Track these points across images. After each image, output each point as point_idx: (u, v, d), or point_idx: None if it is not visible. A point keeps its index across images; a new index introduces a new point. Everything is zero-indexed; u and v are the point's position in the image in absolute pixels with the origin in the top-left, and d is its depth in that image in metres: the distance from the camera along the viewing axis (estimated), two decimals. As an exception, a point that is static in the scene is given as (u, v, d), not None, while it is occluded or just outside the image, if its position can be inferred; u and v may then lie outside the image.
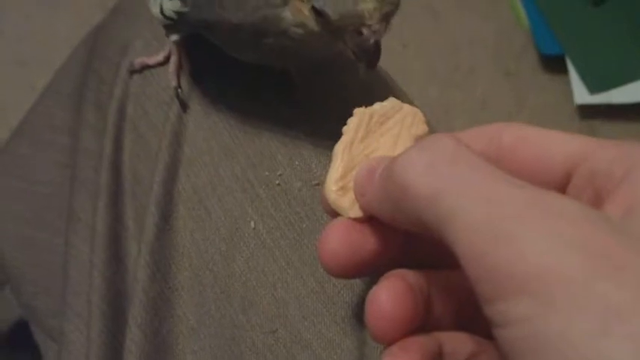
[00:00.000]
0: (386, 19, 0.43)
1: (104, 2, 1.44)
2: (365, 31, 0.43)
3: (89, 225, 0.60)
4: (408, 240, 0.37)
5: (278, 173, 0.56)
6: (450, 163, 0.29)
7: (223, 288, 0.54)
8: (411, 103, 0.41)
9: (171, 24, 0.54)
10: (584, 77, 1.40)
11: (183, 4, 0.51)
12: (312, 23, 0.45)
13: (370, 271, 0.38)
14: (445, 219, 0.28)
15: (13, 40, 1.45)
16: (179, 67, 0.59)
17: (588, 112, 1.43)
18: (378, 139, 0.39)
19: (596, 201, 0.31)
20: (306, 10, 0.44)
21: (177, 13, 0.52)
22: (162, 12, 0.53)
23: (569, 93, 1.42)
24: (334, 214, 0.37)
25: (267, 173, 0.56)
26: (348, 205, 0.37)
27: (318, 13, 0.44)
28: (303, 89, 0.60)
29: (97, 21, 0.72)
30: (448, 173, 0.29)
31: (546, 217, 0.26)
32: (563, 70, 1.43)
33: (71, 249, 0.61)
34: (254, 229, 0.55)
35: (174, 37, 0.56)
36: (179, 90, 0.58)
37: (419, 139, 0.39)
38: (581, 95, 1.40)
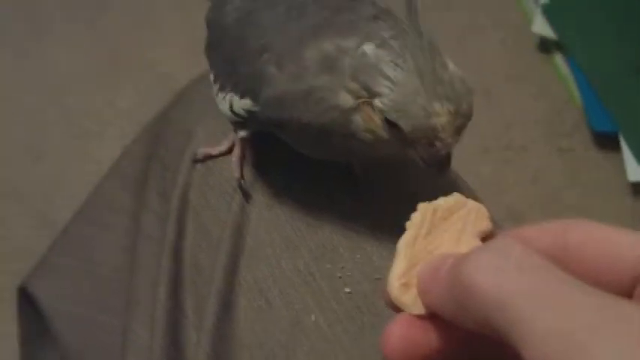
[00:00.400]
0: (458, 131, 0.44)
1: (163, 80, 1.48)
2: (437, 143, 0.43)
3: (149, 311, 0.60)
4: (470, 337, 0.37)
5: (340, 266, 0.56)
6: (520, 267, 0.29)
7: None
8: (475, 198, 0.41)
9: (241, 121, 0.55)
10: (637, 154, 1.38)
11: (254, 103, 0.52)
12: (382, 131, 0.45)
13: None
14: (514, 324, 0.28)
15: (75, 114, 1.49)
16: (242, 158, 0.60)
17: (642, 189, 1.41)
18: (441, 234, 0.38)
19: None
20: (377, 119, 0.45)
21: (248, 111, 0.53)
22: (231, 109, 0.55)
23: (622, 170, 1.41)
24: (396, 309, 0.37)
25: (329, 266, 0.56)
26: (411, 301, 0.36)
27: (390, 123, 0.44)
28: (366, 182, 0.60)
29: (155, 98, 0.73)
30: (518, 277, 0.29)
31: (620, 329, 0.25)
32: (617, 148, 1.42)
33: (130, 333, 0.61)
34: (315, 322, 0.55)
35: (243, 133, 0.57)
36: (242, 181, 0.59)
37: (482, 235, 0.38)
38: (635, 173, 1.38)
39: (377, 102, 0.44)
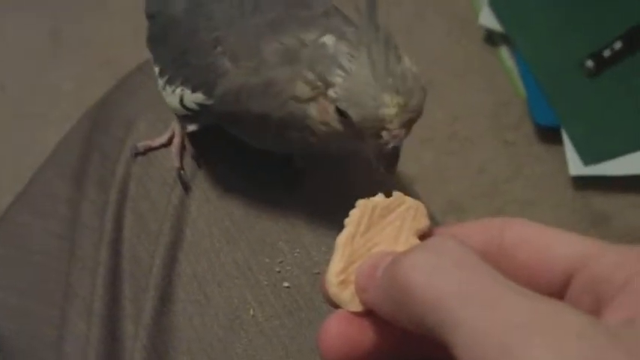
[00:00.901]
0: (407, 125, 0.44)
1: (109, 63, 1.46)
2: (385, 135, 0.44)
3: (86, 302, 0.60)
4: (406, 335, 0.37)
5: (279, 260, 0.56)
6: (455, 267, 0.29)
7: None
8: (413, 194, 0.42)
9: (191, 115, 0.55)
10: (578, 149, 1.40)
11: (207, 97, 0.51)
12: (335, 123, 0.46)
13: None
14: (448, 325, 0.28)
15: (14, 94, 1.46)
16: (182, 149, 0.60)
17: (583, 183, 1.43)
18: (380, 232, 0.39)
19: (596, 306, 0.31)
20: (331, 110, 0.45)
21: (200, 105, 0.52)
22: (181, 103, 0.54)
23: (564, 163, 1.42)
24: (334, 305, 0.37)
25: (268, 260, 0.56)
26: (349, 298, 0.36)
27: (341, 113, 0.44)
28: (306, 177, 0.60)
29: (100, 80, 0.72)
30: (452, 278, 0.29)
31: (551, 331, 0.26)
32: (559, 141, 1.44)
33: (68, 324, 0.61)
34: (253, 316, 0.55)
35: (192, 127, 0.57)
36: (182, 171, 0.59)
37: (421, 233, 0.39)
38: (576, 166, 1.40)
39: (330, 92, 0.44)
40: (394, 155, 0.45)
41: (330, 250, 0.56)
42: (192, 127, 0.56)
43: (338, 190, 0.59)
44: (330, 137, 0.47)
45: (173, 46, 0.55)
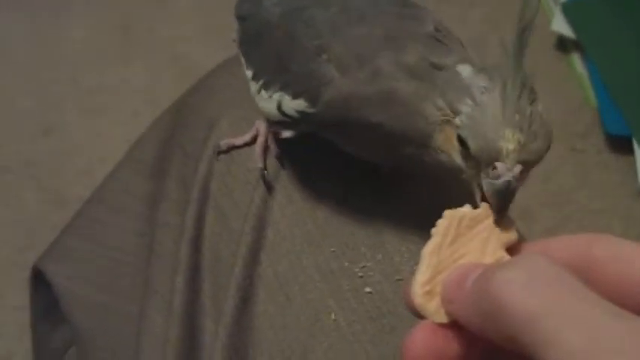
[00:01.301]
0: (525, 165, 0.42)
1: (176, 59, 1.48)
2: (499, 166, 0.41)
3: (166, 299, 0.60)
4: (492, 349, 0.36)
5: (361, 265, 0.56)
6: (550, 285, 0.29)
7: None
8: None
9: (289, 121, 0.54)
10: (649, 159, 1.38)
11: (309, 104, 0.51)
12: (456, 154, 0.45)
13: None
14: (542, 343, 0.27)
15: (85, 89, 1.49)
16: (266, 149, 0.60)
17: (653, 194, 1.41)
18: (466, 243, 0.38)
19: None
20: (454, 140, 0.44)
21: (301, 112, 0.52)
22: (279, 109, 0.53)
23: (634, 173, 1.41)
24: (419, 315, 0.37)
25: (350, 265, 0.56)
26: (434, 309, 0.36)
27: (462, 143, 0.44)
28: (393, 183, 0.60)
29: (168, 76, 0.73)
30: (546, 295, 0.29)
31: None
32: (629, 151, 1.42)
33: (146, 321, 0.61)
34: (334, 320, 0.54)
35: (287, 134, 0.56)
36: (265, 172, 0.59)
37: (507, 245, 0.38)
38: (646, 177, 1.38)
39: (456, 120, 0.44)
40: (506, 193, 0.42)
41: (413, 257, 0.56)
42: (287, 134, 0.56)
43: (425, 198, 0.59)
44: (444, 165, 0.46)
45: (268, 50, 0.55)
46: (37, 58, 1.53)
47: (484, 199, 0.42)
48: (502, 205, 0.41)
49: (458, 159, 0.45)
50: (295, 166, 0.60)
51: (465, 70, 0.45)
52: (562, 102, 1.51)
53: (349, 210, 0.58)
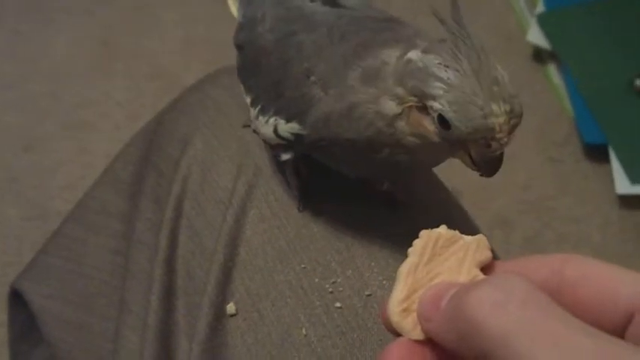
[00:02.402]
0: (512, 131, 0.44)
1: (159, 73, 1.48)
2: (493, 144, 0.43)
3: (141, 317, 0.61)
4: None
5: (331, 281, 0.57)
6: (522, 305, 0.30)
7: None
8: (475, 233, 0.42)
9: (285, 144, 0.55)
10: (626, 167, 1.39)
11: (301, 126, 0.52)
12: (432, 135, 0.45)
13: None
14: None
15: (65, 104, 1.49)
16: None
17: (630, 201, 1.42)
18: (442, 262, 0.39)
19: None
20: (427, 122, 0.45)
21: (295, 134, 0.53)
22: (276, 133, 0.54)
23: (611, 182, 1.42)
24: (395, 332, 0.38)
25: (321, 281, 0.57)
26: (410, 326, 0.37)
27: (444, 125, 0.44)
28: (364, 201, 0.61)
29: (151, 91, 0.73)
30: (519, 315, 0.29)
31: None
32: (606, 160, 1.43)
33: (122, 339, 0.62)
34: (305, 335, 0.55)
35: (286, 157, 0.57)
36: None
37: (482, 265, 0.39)
38: (623, 185, 1.39)
39: (433, 104, 0.44)
40: (498, 160, 0.45)
41: (382, 272, 0.57)
42: (285, 157, 0.57)
43: (395, 216, 0.60)
44: (423, 150, 0.48)
45: (265, 76, 0.56)
46: (19, 72, 1.52)
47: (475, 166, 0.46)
48: (495, 170, 0.45)
49: (435, 138, 0.45)
50: (268, 184, 0.61)
51: (414, 55, 0.45)
52: (539, 112, 1.52)
53: (320, 226, 0.59)
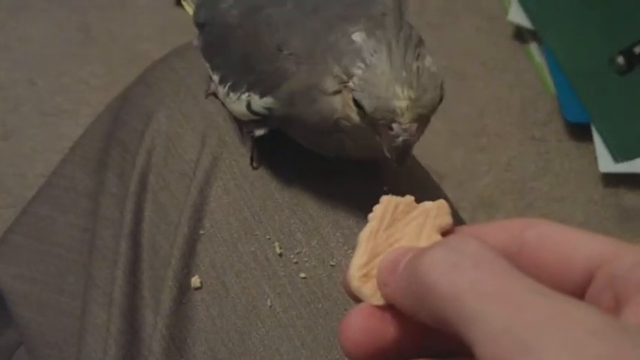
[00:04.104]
0: (420, 121, 0.44)
1: (137, 59, 1.47)
2: (395, 127, 0.44)
3: (107, 293, 0.60)
4: (427, 330, 0.37)
5: (296, 251, 0.56)
6: (475, 265, 0.29)
7: None
8: (447, 194, 0.42)
9: (259, 120, 0.55)
10: (609, 145, 1.39)
11: (275, 100, 0.52)
12: (354, 115, 0.46)
13: (390, 358, 0.38)
14: (466, 321, 0.28)
15: (43, 90, 1.48)
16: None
17: (613, 180, 1.42)
18: (402, 228, 0.39)
19: (616, 305, 0.31)
20: (350, 102, 0.46)
21: (269, 109, 0.53)
22: (249, 109, 0.54)
23: (594, 160, 1.42)
24: (356, 298, 0.37)
25: (285, 251, 0.56)
26: (371, 292, 0.36)
27: (357, 104, 0.45)
28: (330, 171, 0.60)
29: (128, 77, 0.73)
30: (472, 275, 0.29)
31: (568, 329, 0.26)
32: (589, 138, 1.43)
33: (88, 315, 0.61)
34: (270, 307, 0.55)
35: (260, 132, 0.56)
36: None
37: (443, 230, 0.39)
38: (606, 163, 1.39)
39: (350, 83, 0.46)
40: (404, 149, 0.45)
41: (347, 242, 0.56)
42: (259, 132, 0.56)
43: (359, 185, 0.60)
44: (352, 132, 0.48)
45: (233, 52, 0.55)
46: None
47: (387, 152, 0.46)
48: (401, 160, 0.45)
49: (356, 118, 0.46)
50: (232, 155, 0.60)
51: (358, 37, 0.46)
52: (521, 91, 1.52)
53: (285, 197, 0.59)
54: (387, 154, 0.46)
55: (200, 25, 0.60)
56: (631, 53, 1.44)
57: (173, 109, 0.64)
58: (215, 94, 0.61)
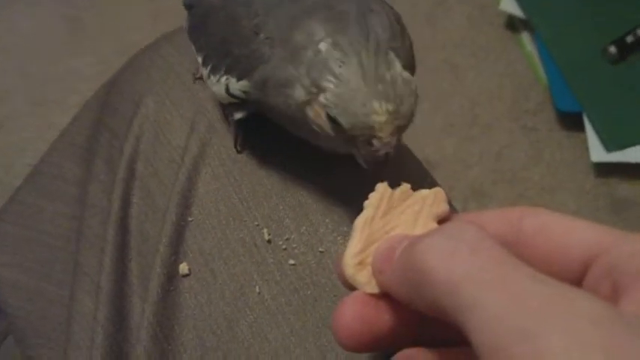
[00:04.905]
0: (398, 132, 0.44)
1: (127, 48, 1.46)
2: (375, 142, 0.44)
3: (94, 280, 0.60)
4: (423, 318, 0.37)
5: (285, 238, 0.56)
6: (472, 252, 0.29)
7: (225, 352, 0.54)
8: (438, 183, 0.41)
9: (237, 103, 0.55)
10: (600, 135, 1.39)
11: (252, 84, 0.51)
12: (327, 128, 0.46)
13: (384, 347, 0.38)
14: (464, 309, 0.28)
15: (34, 81, 1.47)
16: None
17: (604, 169, 1.42)
18: (398, 215, 0.38)
19: (613, 294, 0.31)
20: (323, 116, 0.45)
21: (245, 92, 0.52)
22: (228, 92, 0.54)
23: (585, 150, 1.42)
24: (350, 286, 0.37)
25: (274, 237, 0.56)
26: (366, 280, 0.36)
27: (332, 119, 0.45)
28: (320, 158, 0.60)
29: (119, 65, 0.73)
30: (470, 262, 0.29)
31: (566, 316, 0.26)
32: (580, 128, 1.43)
33: (76, 303, 0.61)
34: (259, 293, 0.55)
35: (239, 115, 0.56)
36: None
37: (439, 218, 0.38)
38: (598, 153, 1.39)
39: (321, 98, 0.45)
40: (384, 160, 0.45)
41: (336, 228, 0.56)
42: (239, 115, 0.56)
43: (349, 172, 0.59)
44: (328, 139, 0.48)
45: (213, 34, 0.55)
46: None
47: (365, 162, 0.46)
48: (381, 169, 0.44)
49: (330, 131, 0.46)
50: (221, 141, 0.60)
51: (323, 46, 0.45)
52: (512, 81, 1.52)
53: (274, 183, 0.58)
54: (363, 165, 0.46)
55: (188, 7, 0.60)
56: (623, 42, 1.44)
57: (162, 95, 0.63)
58: (202, 78, 0.60)
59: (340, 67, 0.44)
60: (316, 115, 0.46)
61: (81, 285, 0.61)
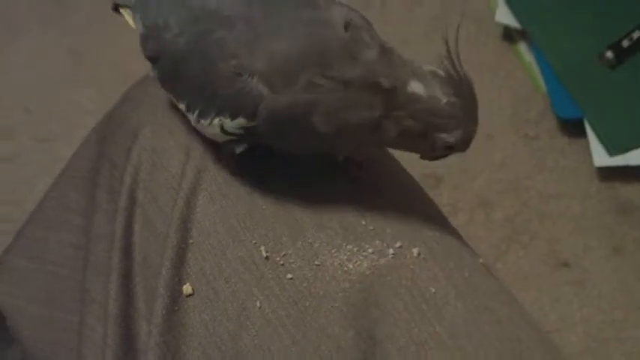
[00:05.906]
0: None
1: (128, 80, 1.48)
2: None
3: (103, 306, 0.61)
4: None
5: (282, 254, 0.58)
6: None
7: None
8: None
9: (236, 139, 0.56)
10: (602, 139, 1.40)
11: (249, 120, 0.53)
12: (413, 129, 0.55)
13: None
14: None
15: (38, 116, 1.49)
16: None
17: (608, 174, 1.42)
18: None
19: None
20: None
21: (244, 128, 0.54)
22: (223, 131, 0.55)
23: (588, 155, 1.42)
24: None
25: (271, 254, 0.58)
26: None
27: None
28: (316, 176, 0.62)
29: (118, 96, 0.74)
30: None
31: None
32: (582, 134, 1.43)
33: (85, 329, 0.63)
34: (260, 308, 0.56)
35: (240, 149, 0.58)
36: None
37: None
38: (601, 157, 1.39)
39: (441, 135, 0.60)
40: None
41: (331, 241, 0.58)
42: (240, 149, 0.58)
43: (342, 187, 0.61)
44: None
45: (191, 79, 0.55)
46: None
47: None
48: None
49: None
50: (216, 166, 0.62)
51: (417, 87, 0.57)
52: (512, 91, 1.53)
53: (268, 203, 0.60)
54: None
55: (152, 59, 0.60)
56: (619, 47, 1.45)
57: (158, 124, 0.65)
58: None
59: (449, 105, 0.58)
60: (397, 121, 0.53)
61: (89, 311, 0.63)
